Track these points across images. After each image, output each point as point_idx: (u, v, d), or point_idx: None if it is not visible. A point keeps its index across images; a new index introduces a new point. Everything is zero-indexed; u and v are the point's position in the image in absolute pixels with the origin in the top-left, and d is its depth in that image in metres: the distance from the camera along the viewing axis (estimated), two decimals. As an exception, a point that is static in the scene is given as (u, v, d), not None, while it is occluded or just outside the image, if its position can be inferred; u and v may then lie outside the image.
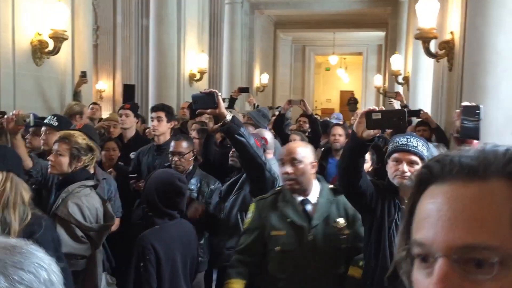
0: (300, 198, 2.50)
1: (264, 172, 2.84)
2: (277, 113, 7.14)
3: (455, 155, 0.67)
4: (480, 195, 0.62)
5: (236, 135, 2.66)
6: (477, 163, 0.64)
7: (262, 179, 2.86)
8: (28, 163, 2.96)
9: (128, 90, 10.35)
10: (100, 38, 12.05)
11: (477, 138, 2.49)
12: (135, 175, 3.84)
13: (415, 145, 2.39)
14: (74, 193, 2.50)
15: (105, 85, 12.11)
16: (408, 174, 2.33)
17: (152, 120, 4.13)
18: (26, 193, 2.12)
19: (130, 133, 4.88)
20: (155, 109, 4.23)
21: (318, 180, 2.59)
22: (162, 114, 4.11)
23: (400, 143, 2.41)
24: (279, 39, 19.01)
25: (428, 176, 0.68)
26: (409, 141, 2.40)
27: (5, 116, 3.09)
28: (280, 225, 2.45)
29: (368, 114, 2.07)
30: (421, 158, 2.37)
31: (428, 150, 2.43)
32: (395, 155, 2.39)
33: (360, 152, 2.21)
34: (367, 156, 3.82)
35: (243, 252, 2.53)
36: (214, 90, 2.62)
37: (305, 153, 2.49)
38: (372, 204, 2.36)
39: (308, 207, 2.48)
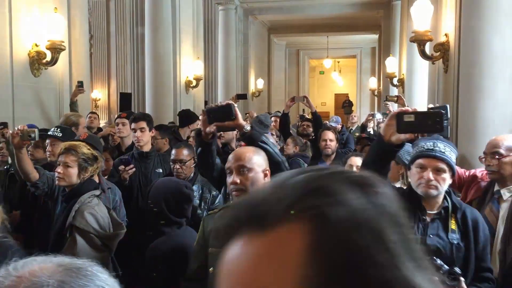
0: None
1: None
2: (273, 118, 7.12)
3: (249, 197, 0.53)
4: (263, 253, 0.48)
5: (259, 143, 2.59)
6: (263, 206, 0.49)
7: None
8: (35, 175, 2.98)
9: (125, 99, 10.36)
10: (94, 47, 12.07)
11: (446, 136, 2.40)
12: (126, 157, 3.82)
13: (443, 151, 2.17)
14: (86, 203, 2.53)
15: (100, 94, 12.12)
16: (434, 182, 2.14)
17: (135, 131, 4.08)
18: None
19: (128, 141, 4.88)
20: (137, 119, 4.17)
21: None
22: (144, 124, 4.10)
23: (425, 147, 2.19)
24: (273, 44, 19.08)
25: (225, 230, 0.54)
26: (435, 145, 2.18)
27: (10, 131, 3.10)
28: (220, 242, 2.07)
29: (400, 115, 1.86)
30: (449, 165, 2.17)
31: (456, 155, 2.25)
32: (420, 161, 2.19)
33: (387, 158, 1.98)
34: (360, 162, 3.57)
35: (190, 279, 2.22)
36: (230, 102, 2.56)
37: (256, 159, 2.15)
38: None
39: None
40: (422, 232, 2.20)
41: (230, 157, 2.17)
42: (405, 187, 3.25)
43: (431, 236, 2.20)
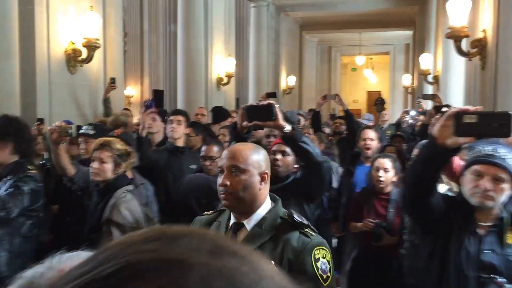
0: (233, 221, 1.86)
1: (325, 179, 2.76)
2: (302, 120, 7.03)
3: None
4: None
5: (299, 143, 2.56)
6: None
7: (323, 183, 2.79)
8: (72, 170, 3.06)
9: (157, 96, 10.51)
10: (127, 44, 12.27)
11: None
12: (149, 99, 3.91)
13: (503, 157, 1.92)
14: (121, 198, 2.58)
15: (133, 91, 12.32)
16: (491, 193, 1.92)
17: (172, 123, 4.18)
18: None
19: (158, 137, 4.93)
20: (175, 113, 4.33)
21: (274, 200, 1.90)
22: (182, 119, 4.19)
23: (484, 152, 1.95)
24: (305, 41, 18.98)
25: None
26: (496, 151, 1.94)
27: (47, 127, 3.18)
28: None
29: (459, 115, 1.63)
30: (510, 174, 1.92)
31: None
32: (477, 167, 1.95)
33: (439, 163, 1.77)
34: (389, 164, 3.51)
35: None
36: (271, 101, 2.48)
37: (254, 159, 1.81)
38: (439, 224, 1.95)
39: (241, 236, 1.81)
40: (476, 247, 1.98)
41: (224, 154, 1.86)
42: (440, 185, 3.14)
43: (485, 251, 1.97)
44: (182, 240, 0.42)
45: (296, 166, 2.96)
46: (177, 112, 4.40)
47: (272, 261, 1.53)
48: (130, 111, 7.41)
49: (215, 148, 3.63)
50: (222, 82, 9.92)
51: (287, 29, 16.71)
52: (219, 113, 6.50)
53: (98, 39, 5.67)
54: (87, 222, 2.73)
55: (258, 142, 4.62)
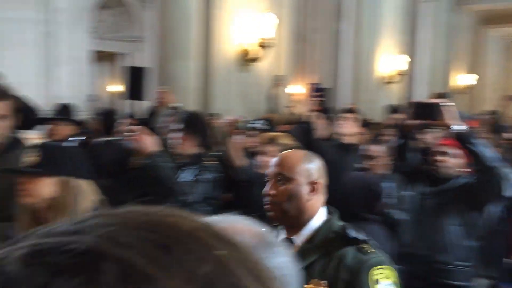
0: (282, 236, 1.66)
1: (495, 187, 2.52)
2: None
3: None
4: None
5: (467, 144, 2.47)
6: None
7: (491, 190, 2.57)
8: (242, 162, 3.33)
9: (321, 93, 10.64)
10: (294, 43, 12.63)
11: None
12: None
13: None
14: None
15: (298, 89, 12.66)
16: None
17: (341, 120, 4.21)
18: (85, 200, 1.70)
19: (321, 135, 4.99)
20: (348, 111, 4.47)
21: (330, 212, 1.70)
22: (353, 116, 4.21)
23: None
24: (485, 36, 17.31)
25: None
26: None
27: (222, 121, 3.50)
28: None
29: None
30: None
31: None
32: None
33: None
34: None
35: None
36: (437, 101, 2.45)
37: (302, 167, 1.64)
38: None
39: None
40: None
41: (272, 161, 1.73)
42: None
43: None
44: (183, 247, 0.31)
45: (458, 169, 2.77)
46: (349, 110, 4.59)
47: (326, 281, 1.49)
48: (295, 108, 7.67)
49: (375, 148, 3.58)
50: (391, 80, 9.65)
51: (464, 24, 15.46)
52: (390, 111, 6.42)
53: (272, 39, 5.95)
54: (251, 213, 2.91)
55: (428, 147, 4.42)
